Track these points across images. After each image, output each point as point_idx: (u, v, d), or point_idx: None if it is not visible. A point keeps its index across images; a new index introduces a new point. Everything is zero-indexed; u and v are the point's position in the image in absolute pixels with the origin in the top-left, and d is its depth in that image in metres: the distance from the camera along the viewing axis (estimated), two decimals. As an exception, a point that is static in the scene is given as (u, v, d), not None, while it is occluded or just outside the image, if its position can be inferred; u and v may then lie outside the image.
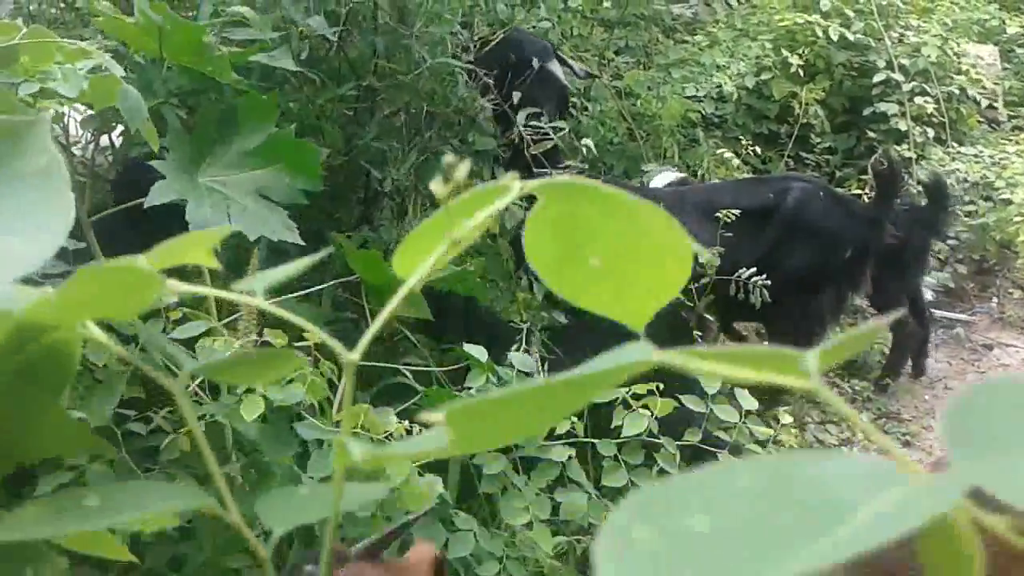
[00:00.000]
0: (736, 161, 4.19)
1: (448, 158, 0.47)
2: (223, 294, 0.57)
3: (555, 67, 3.01)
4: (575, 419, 1.94)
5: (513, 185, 0.47)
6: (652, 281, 0.51)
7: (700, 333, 2.54)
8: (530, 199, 0.50)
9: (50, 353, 0.58)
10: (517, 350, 2.08)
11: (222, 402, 1.73)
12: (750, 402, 1.98)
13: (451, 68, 2.49)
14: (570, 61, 3.21)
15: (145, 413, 1.72)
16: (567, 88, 3.11)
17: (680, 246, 0.49)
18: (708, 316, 2.63)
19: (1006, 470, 0.31)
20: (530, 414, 0.42)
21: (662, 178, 3.77)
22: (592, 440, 1.94)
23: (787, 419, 2.07)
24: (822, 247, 3.29)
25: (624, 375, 0.39)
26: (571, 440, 1.94)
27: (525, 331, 2.41)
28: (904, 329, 3.77)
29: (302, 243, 1.87)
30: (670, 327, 2.50)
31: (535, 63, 2.94)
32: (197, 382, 1.74)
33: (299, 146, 1.96)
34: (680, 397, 1.86)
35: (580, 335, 2.73)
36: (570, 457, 1.93)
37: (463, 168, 0.47)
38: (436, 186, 0.48)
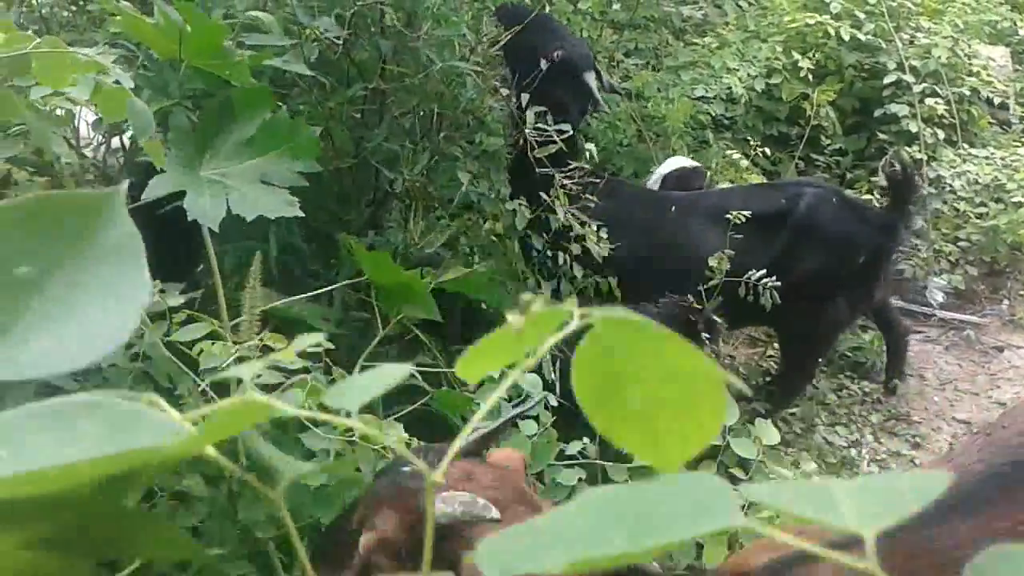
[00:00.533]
0: (745, 163, 4.18)
1: (526, 296, 0.49)
2: (307, 414, 0.59)
3: (591, 79, 3.01)
4: (586, 440, 1.93)
5: (574, 313, 0.49)
6: (686, 427, 0.52)
7: (708, 335, 2.53)
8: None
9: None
10: None
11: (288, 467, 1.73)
12: (772, 435, 1.94)
13: (459, 70, 2.49)
14: (604, 75, 3.20)
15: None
16: (599, 103, 3.10)
17: (716, 396, 0.50)
18: (717, 318, 2.62)
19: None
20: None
21: (670, 164, 3.74)
22: (603, 463, 1.93)
23: (811, 467, 2.04)
24: (835, 253, 3.26)
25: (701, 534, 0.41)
26: (582, 462, 1.93)
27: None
28: (895, 331, 3.75)
29: (302, 215, 1.86)
30: (679, 330, 2.49)
31: (576, 70, 2.94)
32: (208, 382, 1.75)
33: (294, 128, 1.95)
34: None
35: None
36: (580, 479, 1.92)
37: (539, 302, 0.49)
38: (512, 318, 0.49)
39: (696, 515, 0.41)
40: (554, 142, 2.70)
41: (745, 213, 2.87)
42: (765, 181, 4.20)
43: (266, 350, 1.75)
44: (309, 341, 0.66)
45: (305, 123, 1.98)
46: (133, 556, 0.72)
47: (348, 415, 0.56)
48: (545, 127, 2.71)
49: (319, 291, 2.35)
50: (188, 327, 1.71)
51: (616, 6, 4.40)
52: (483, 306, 2.74)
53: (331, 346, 1.85)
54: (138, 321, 0.61)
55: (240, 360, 1.72)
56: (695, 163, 3.84)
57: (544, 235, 2.83)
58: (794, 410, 3.62)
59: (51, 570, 0.61)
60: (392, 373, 0.61)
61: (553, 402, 2.01)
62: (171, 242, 1.97)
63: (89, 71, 1.64)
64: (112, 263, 0.63)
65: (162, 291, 1.74)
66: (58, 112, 2.03)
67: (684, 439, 0.53)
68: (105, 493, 0.58)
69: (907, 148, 4.54)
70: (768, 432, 1.95)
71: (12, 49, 1.56)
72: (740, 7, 5.04)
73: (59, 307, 0.62)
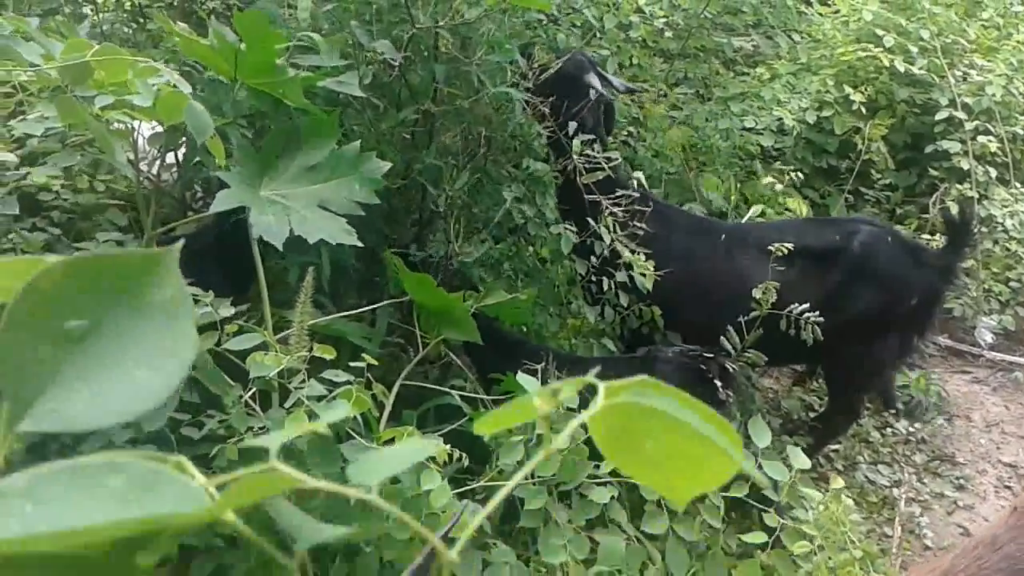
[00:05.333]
0: (795, 194, 4.16)
1: (553, 384, 0.55)
2: (332, 487, 0.60)
3: (593, 80, 3.01)
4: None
5: (600, 389, 0.55)
6: (698, 473, 0.58)
7: (722, 383, 2.52)
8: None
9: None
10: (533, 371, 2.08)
11: (272, 415, 1.76)
12: (802, 461, 1.94)
13: (509, 96, 2.52)
14: (610, 76, 3.20)
15: (198, 418, 1.76)
16: (606, 100, 3.09)
17: (729, 455, 0.55)
18: (731, 367, 2.60)
19: None
20: None
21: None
22: (635, 482, 1.92)
23: (839, 483, 2.03)
24: (887, 294, 3.21)
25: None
26: (615, 478, 1.93)
27: (543, 352, 2.41)
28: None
29: (360, 245, 1.91)
30: (692, 377, 2.49)
31: (573, 77, 2.93)
32: (250, 393, 1.78)
33: (362, 160, 2.00)
34: None
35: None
36: (612, 497, 1.92)
37: (568, 390, 0.55)
38: (541, 402, 0.55)
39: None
40: (601, 168, 2.71)
41: (788, 246, 2.85)
42: (814, 216, 4.17)
43: (314, 361, 1.78)
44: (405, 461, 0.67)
45: (370, 155, 2.02)
46: None
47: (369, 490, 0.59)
48: (592, 154, 2.72)
49: (363, 309, 2.38)
50: (239, 338, 1.75)
51: (667, 34, 4.41)
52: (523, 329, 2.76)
53: (375, 362, 1.87)
54: (182, 378, 0.63)
55: (289, 372, 1.74)
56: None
57: (589, 260, 2.83)
58: (836, 447, 3.57)
59: None
60: (418, 451, 0.67)
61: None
62: (232, 256, 2.02)
63: (147, 75, 1.68)
64: (160, 321, 0.65)
65: (211, 303, 1.78)
66: (116, 126, 2.09)
67: (695, 480, 0.59)
68: (121, 554, 0.58)
69: (958, 186, 4.49)
70: (798, 457, 1.94)
71: (74, 56, 1.61)
72: (792, 39, 5.03)
73: (105, 362, 0.63)
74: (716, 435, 0.55)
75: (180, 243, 0.68)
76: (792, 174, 3.97)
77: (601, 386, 0.55)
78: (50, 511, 0.49)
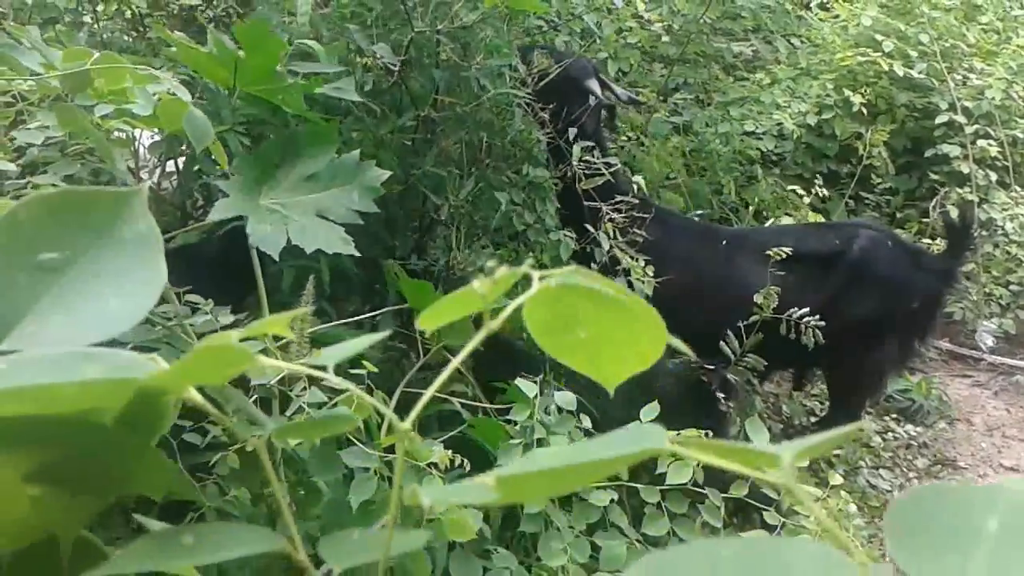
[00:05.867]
0: (795, 199, 4.16)
1: (490, 263, 0.60)
2: (295, 367, 0.69)
3: (594, 85, 3.01)
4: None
5: (534, 277, 0.59)
6: (627, 356, 0.62)
7: (724, 394, 2.51)
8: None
9: (149, 405, 0.65)
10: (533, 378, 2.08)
11: (274, 423, 1.76)
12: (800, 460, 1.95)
13: (509, 100, 2.52)
14: (612, 84, 3.20)
15: (200, 424, 1.76)
16: (605, 103, 3.09)
17: (655, 334, 0.61)
18: (733, 377, 2.61)
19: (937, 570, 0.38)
20: (559, 483, 0.58)
21: None
22: (635, 485, 1.92)
23: (837, 480, 2.03)
24: (888, 297, 3.21)
25: (639, 458, 0.49)
26: (615, 483, 1.93)
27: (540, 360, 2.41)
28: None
29: (358, 254, 1.91)
30: (692, 388, 2.49)
31: (574, 81, 2.94)
32: (251, 400, 1.78)
33: (361, 168, 2.00)
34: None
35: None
36: (612, 501, 1.92)
37: (501, 271, 0.59)
38: (479, 284, 0.58)
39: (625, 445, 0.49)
40: (601, 174, 2.71)
41: (787, 250, 2.85)
42: (816, 220, 4.17)
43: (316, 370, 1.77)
44: (342, 353, 0.71)
45: (370, 163, 2.03)
46: (135, 491, 0.78)
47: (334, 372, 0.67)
48: (591, 160, 2.73)
49: (364, 316, 2.38)
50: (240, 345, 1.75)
51: (665, 39, 4.41)
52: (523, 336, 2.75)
53: (375, 369, 1.87)
54: (153, 305, 0.67)
55: (289, 380, 1.75)
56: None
57: (589, 267, 2.83)
58: (838, 452, 3.56)
59: (57, 511, 0.66)
60: (371, 337, 0.73)
61: (587, 424, 2.01)
62: (232, 263, 2.02)
63: (145, 83, 1.68)
64: (130, 254, 0.69)
65: (210, 311, 1.78)
66: (116, 135, 2.09)
67: (625, 363, 0.63)
68: (108, 429, 0.63)
69: (959, 189, 4.50)
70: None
71: (73, 64, 1.61)
72: (791, 44, 5.04)
73: (81, 292, 0.68)
74: (644, 314, 0.59)
75: (147, 183, 0.73)
76: (811, 189, 3.97)
77: (535, 274, 0.59)
78: (27, 377, 0.53)
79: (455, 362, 0.63)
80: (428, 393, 0.62)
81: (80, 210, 0.70)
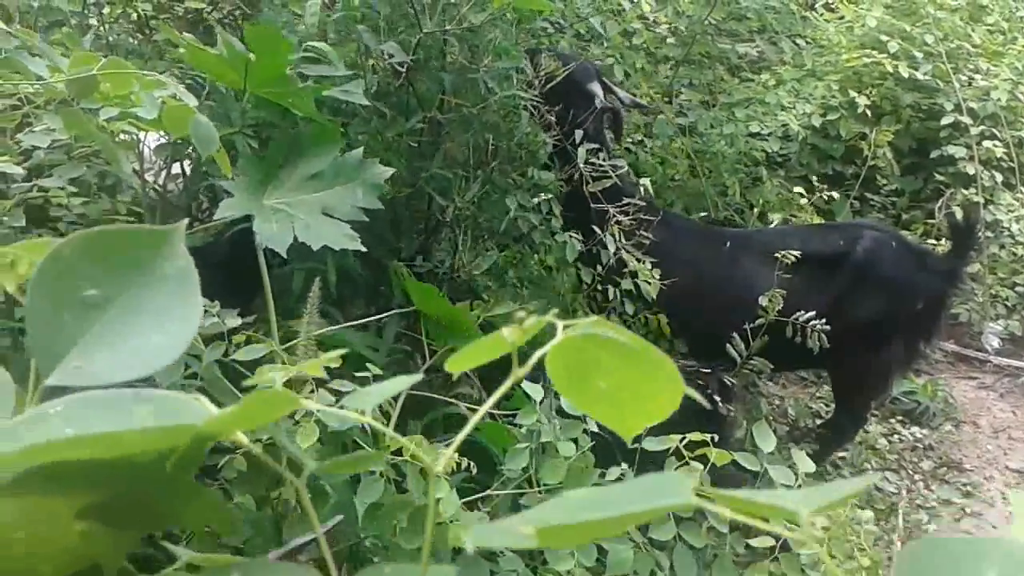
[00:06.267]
0: (801, 200, 4.15)
1: (519, 313, 0.61)
2: (341, 413, 0.71)
3: (596, 88, 3.01)
4: (625, 466, 1.94)
5: (558, 326, 0.61)
6: (646, 407, 0.64)
7: (721, 397, 2.51)
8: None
9: (195, 445, 0.66)
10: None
11: (279, 426, 1.76)
12: (807, 465, 1.95)
13: (516, 102, 2.52)
14: (616, 88, 3.20)
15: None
16: (613, 108, 3.09)
17: (672, 389, 0.62)
18: (730, 380, 2.60)
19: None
20: (593, 533, 0.69)
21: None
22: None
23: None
24: (893, 298, 3.20)
25: (664, 512, 0.51)
26: (620, 485, 1.93)
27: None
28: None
29: (364, 249, 1.91)
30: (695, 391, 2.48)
31: (577, 84, 2.93)
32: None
33: (364, 166, 2.00)
34: (734, 454, 1.82)
35: None
36: (618, 505, 1.92)
37: (530, 321, 0.61)
38: (507, 332, 0.60)
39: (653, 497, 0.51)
40: (608, 176, 2.71)
41: (795, 253, 2.84)
42: (821, 221, 4.16)
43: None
44: (380, 395, 0.75)
45: (373, 161, 2.03)
46: (178, 525, 0.81)
47: (363, 413, 0.67)
48: (597, 162, 2.73)
49: (370, 318, 2.38)
50: (247, 348, 1.75)
51: (671, 40, 4.41)
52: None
53: (380, 372, 1.87)
54: (191, 341, 0.70)
55: (297, 383, 1.74)
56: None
57: (594, 269, 2.83)
58: (844, 454, 3.56)
59: (103, 544, 0.68)
60: (405, 380, 0.74)
61: (593, 427, 2.01)
62: (240, 266, 2.02)
63: (151, 89, 1.68)
64: (169, 290, 0.72)
65: (217, 313, 1.78)
66: (122, 137, 2.09)
67: (643, 414, 0.65)
68: (155, 467, 0.65)
69: (964, 191, 4.49)
70: (804, 461, 1.94)
71: (80, 69, 1.61)
72: (796, 45, 5.03)
73: (120, 327, 0.70)
74: (662, 367, 0.61)
75: (184, 221, 0.77)
76: (817, 191, 3.96)
77: (560, 324, 0.61)
78: (85, 425, 0.55)
79: (487, 404, 0.63)
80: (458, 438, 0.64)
81: (121, 247, 0.73)
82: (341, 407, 1.68)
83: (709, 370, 2.57)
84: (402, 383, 0.74)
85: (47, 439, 0.52)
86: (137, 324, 0.70)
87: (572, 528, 0.52)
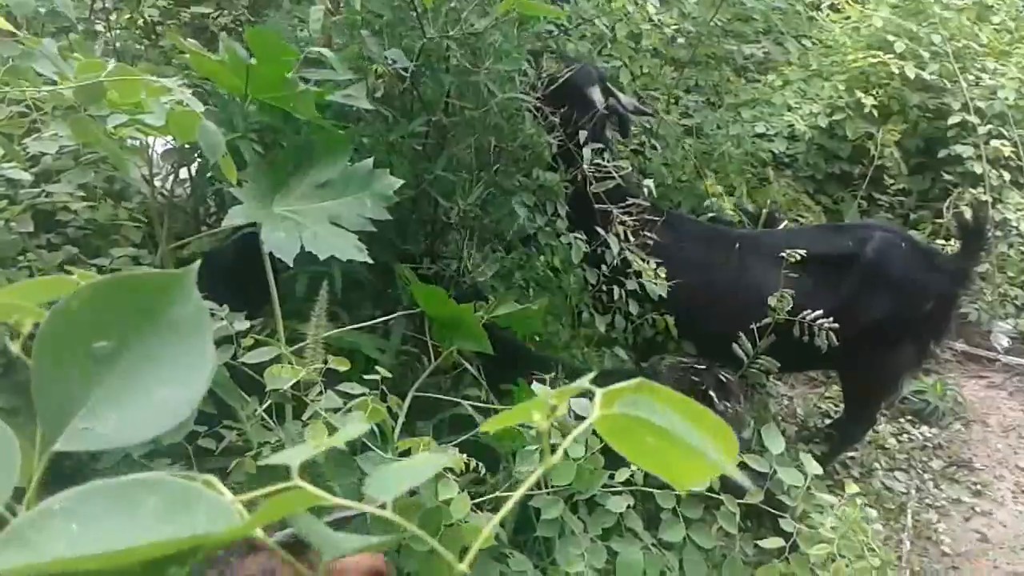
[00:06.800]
0: (808, 200, 4.15)
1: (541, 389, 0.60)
2: (351, 504, 0.66)
3: (595, 93, 3.01)
4: (634, 467, 1.94)
5: (597, 395, 0.60)
6: (698, 465, 0.61)
7: (719, 393, 2.51)
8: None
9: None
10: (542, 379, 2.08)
11: (289, 428, 1.77)
12: (814, 467, 1.95)
13: (519, 104, 2.52)
14: (618, 93, 3.19)
15: (215, 429, 1.77)
16: (612, 114, 3.09)
17: (727, 445, 0.61)
18: (727, 376, 2.59)
19: None
20: None
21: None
22: (651, 490, 1.92)
23: (853, 488, 2.02)
24: (902, 298, 3.18)
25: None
26: (630, 488, 1.93)
27: (551, 362, 2.41)
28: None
29: (371, 261, 1.92)
30: (688, 389, 2.48)
31: (577, 88, 2.93)
32: (265, 407, 1.79)
33: (373, 176, 2.01)
34: (743, 456, 1.82)
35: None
36: (628, 506, 1.91)
37: (563, 404, 0.61)
38: (539, 417, 0.60)
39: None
40: (612, 177, 2.71)
41: (801, 252, 2.84)
42: (829, 222, 4.16)
43: (329, 373, 1.78)
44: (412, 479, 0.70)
45: (383, 171, 2.03)
46: None
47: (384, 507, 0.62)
48: (603, 163, 2.73)
49: (377, 320, 2.39)
50: (256, 351, 1.76)
51: (678, 41, 4.41)
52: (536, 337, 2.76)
53: (388, 374, 1.87)
54: (203, 393, 0.67)
55: (304, 384, 1.75)
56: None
57: (599, 269, 2.83)
58: (853, 454, 3.55)
59: None
60: (433, 463, 0.71)
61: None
62: (247, 269, 2.03)
63: (158, 95, 1.69)
64: (180, 339, 0.69)
65: (225, 317, 1.79)
66: (130, 142, 2.10)
67: (696, 471, 0.62)
68: (156, 568, 0.62)
69: (972, 190, 4.47)
70: (810, 463, 1.94)
71: (87, 76, 1.63)
72: (803, 46, 5.02)
73: (131, 382, 0.68)
74: (701, 439, 0.59)
75: (197, 263, 0.72)
76: (822, 191, 3.95)
77: (599, 394, 0.60)
78: (94, 532, 0.52)
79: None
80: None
81: (130, 294, 0.70)
82: (350, 410, 1.69)
83: (704, 367, 2.57)
84: (442, 460, 0.75)
85: (53, 557, 0.51)
86: (146, 378, 0.67)
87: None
